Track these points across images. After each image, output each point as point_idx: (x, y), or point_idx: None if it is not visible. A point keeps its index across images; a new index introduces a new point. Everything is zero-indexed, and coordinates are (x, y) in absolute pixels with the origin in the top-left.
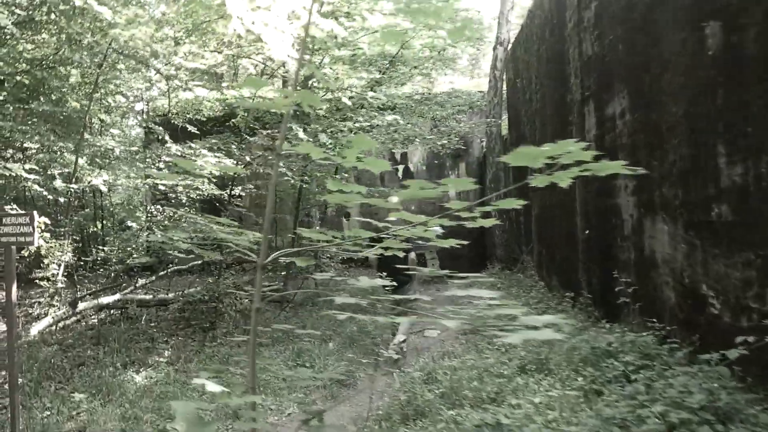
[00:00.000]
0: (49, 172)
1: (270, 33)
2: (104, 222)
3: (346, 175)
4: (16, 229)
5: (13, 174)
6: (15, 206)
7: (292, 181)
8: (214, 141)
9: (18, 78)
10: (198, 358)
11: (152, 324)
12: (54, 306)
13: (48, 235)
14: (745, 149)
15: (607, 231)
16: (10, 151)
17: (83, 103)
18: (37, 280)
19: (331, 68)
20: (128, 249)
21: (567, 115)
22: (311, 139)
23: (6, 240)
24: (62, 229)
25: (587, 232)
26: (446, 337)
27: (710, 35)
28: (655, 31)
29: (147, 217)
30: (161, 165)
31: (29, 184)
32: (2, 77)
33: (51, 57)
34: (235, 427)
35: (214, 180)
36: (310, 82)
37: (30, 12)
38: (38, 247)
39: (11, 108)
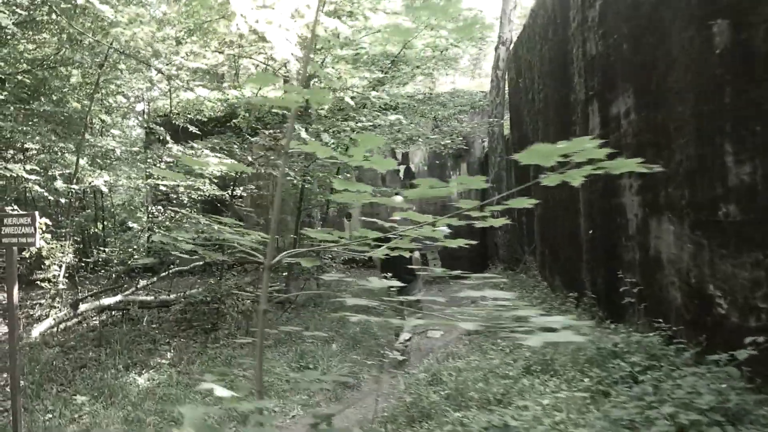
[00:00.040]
0: (49, 173)
1: (274, 31)
2: (105, 223)
3: (348, 175)
4: (18, 230)
5: (14, 175)
6: (16, 207)
7: (295, 181)
8: (216, 141)
9: (19, 77)
10: (200, 360)
11: (154, 325)
12: (55, 307)
13: (49, 236)
14: (754, 148)
15: (611, 231)
16: (11, 151)
17: (84, 104)
18: (38, 282)
19: (333, 68)
20: (129, 250)
21: (570, 115)
22: (314, 139)
23: (7, 241)
24: (63, 230)
25: (591, 232)
26: (450, 337)
27: (718, 33)
28: (661, 30)
29: (148, 217)
30: (162, 165)
31: (30, 184)
32: (3, 77)
33: (52, 57)
34: (241, 430)
35: (215, 181)
36: (312, 82)
37: (31, 12)
38: (39, 249)
39: (12, 108)
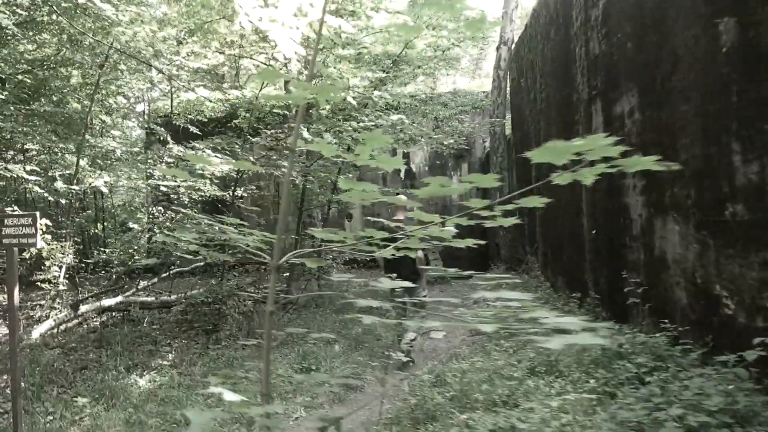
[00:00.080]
0: (50, 174)
1: (277, 30)
2: (105, 224)
3: (350, 175)
4: (19, 231)
5: (14, 175)
6: (16, 208)
7: (296, 181)
8: (218, 141)
9: (20, 77)
10: (202, 361)
11: (155, 326)
12: (55, 308)
13: (49, 236)
14: (762, 147)
15: (615, 231)
16: (11, 152)
17: (84, 104)
18: (38, 283)
19: (335, 67)
20: (130, 251)
21: (573, 115)
22: (309, 140)
23: (8, 242)
24: (63, 231)
25: (594, 231)
26: (452, 338)
27: (724, 31)
28: (665, 28)
29: (149, 218)
30: (163, 166)
31: (30, 185)
32: (3, 77)
33: (52, 58)
34: None
35: (216, 181)
36: (314, 82)
37: (31, 12)
38: (39, 249)
39: (12, 108)
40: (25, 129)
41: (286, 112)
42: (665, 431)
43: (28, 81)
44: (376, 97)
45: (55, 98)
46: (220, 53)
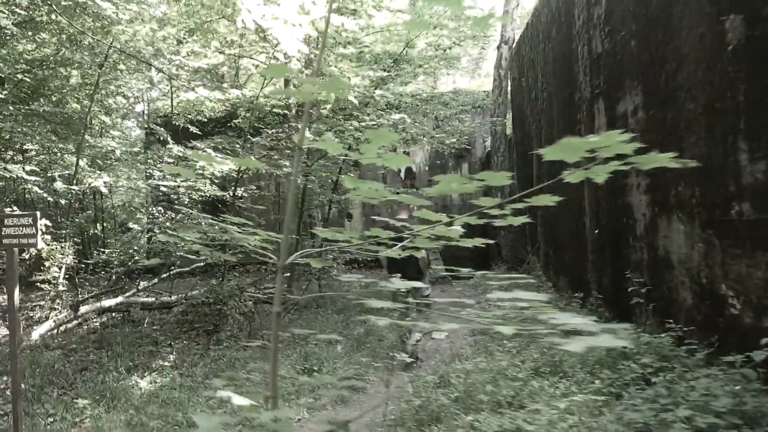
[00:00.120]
0: (49, 174)
1: (280, 27)
2: (105, 224)
3: (351, 175)
4: (19, 231)
5: (14, 176)
6: (15, 208)
7: (298, 181)
8: (219, 140)
9: (19, 77)
10: (203, 362)
11: (155, 327)
12: (55, 309)
13: (49, 237)
14: None
15: (618, 231)
16: (10, 152)
17: (84, 104)
18: (37, 283)
19: (336, 66)
20: (130, 251)
21: (575, 114)
22: (317, 138)
23: (8, 242)
24: (63, 231)
25: (597, 231)
26: (454, 338)
27: (730, 29)
28: (670, 26)
29: (148, 218)
30: (164, 165)
31: (29, 186)
32: (2, 76)
33: (51, 57)
34: None
35: (216, 181)
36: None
37: (30, 12)
38: (39, 250)
39: (11, 108)
40: (24, 129)
41: (285, 111)
42: None
43: (28, 80)
44: (378, 96)
45: (54, 98)
46: (220, 53)
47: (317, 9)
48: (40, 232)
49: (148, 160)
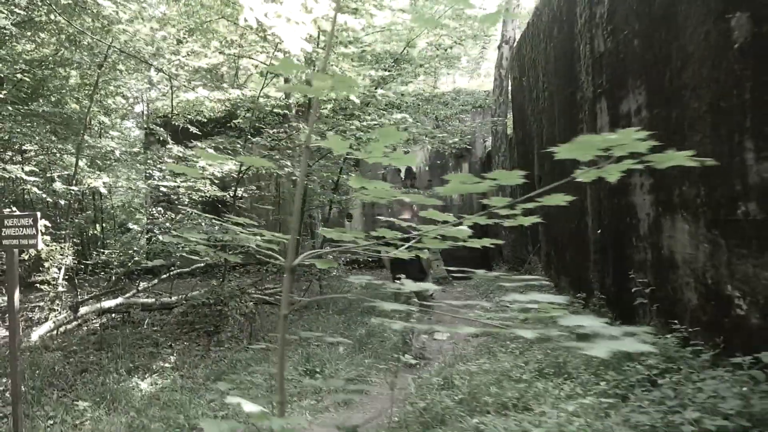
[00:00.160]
0: (48, 175)
1: (283, 25)
2: (104, 224)
3: (353, 175)
4: (19, 232)
5: (13, 176)
6: (15, 209)
7: (298, 181)
8: (220, 140)
9: (18, 76)
10: (204, 364)
11: (155, 328)
12: (55, 310)
13: (48, 237)
14: None
15: (621, 230)
16: (10, 153)
17: (83, 104)
18: (36, 284)
19: (337, 66)
20: (129, 252)
21: (577, 114)
22: (318, 138)
23: (8, 243)
24: (62, 232)
25: (600, 231)
26: (457, 339)
27: (736, 27)
28: (675, 25)
29: (148, 219)
30: (163, 167)
31: (29, 186)
32: (2, 76)
33: (51, 57)
34: None
35: (216, 182)
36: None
37: (29, 12)
38: (38, 251)
39: (11, 108)
40: (23, 129)
41: (286, 111)
42: None
43: (27, 80)
44: (380, 95)
45: (53, 98)
46: (220, 53)
47: (320, 7)
48: (40, 233)
49: (148, 161)
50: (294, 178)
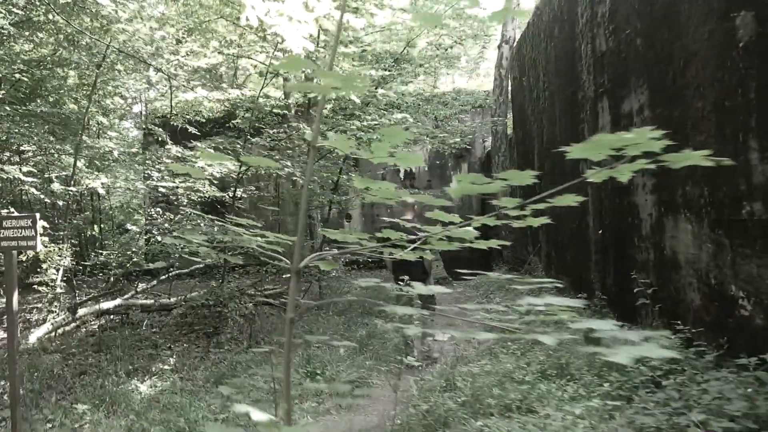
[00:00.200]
0: (46, 175)
1: (285, 24)
2: (102, 225)
3: (353, 175)
4: (18, 233)
5: (11, 177)
6: (13, 210)
7: (301, 181)
8: (219, 140)
9: (17, 76)
10: (204, 366)
11: (154, 330)
12: (53, 312)
13: (47, 239)
14: None
15: (623, 231)
16: (7, 153)
17: (82, 105)
18: (34, 285)
19: (338, 66)
20: (128, 253)
21: (578, 113)
22: (323, 137)
23: (6, 244)
24: (61, 233)
25: (601, 231)
26: (457, 341)
27: (741, 26)
28: (678, 24)
29: (147, 219)
30: (161, 167)
31: (27, 187)
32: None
33: (49, 58)
34: None
35: (215, 182)
36: (315, 80)
37: (27, 12)
38: (37, 252)
39: (8, 109)
40: (21, 130)
41: (285, 111)
42: None
43: (26, 80)
44: (380, 95)
45: (51, 99)
46: (219, 53)
47: (322, 6)
48: (39, 235)
49: (147, 161)
50: (294, 178)
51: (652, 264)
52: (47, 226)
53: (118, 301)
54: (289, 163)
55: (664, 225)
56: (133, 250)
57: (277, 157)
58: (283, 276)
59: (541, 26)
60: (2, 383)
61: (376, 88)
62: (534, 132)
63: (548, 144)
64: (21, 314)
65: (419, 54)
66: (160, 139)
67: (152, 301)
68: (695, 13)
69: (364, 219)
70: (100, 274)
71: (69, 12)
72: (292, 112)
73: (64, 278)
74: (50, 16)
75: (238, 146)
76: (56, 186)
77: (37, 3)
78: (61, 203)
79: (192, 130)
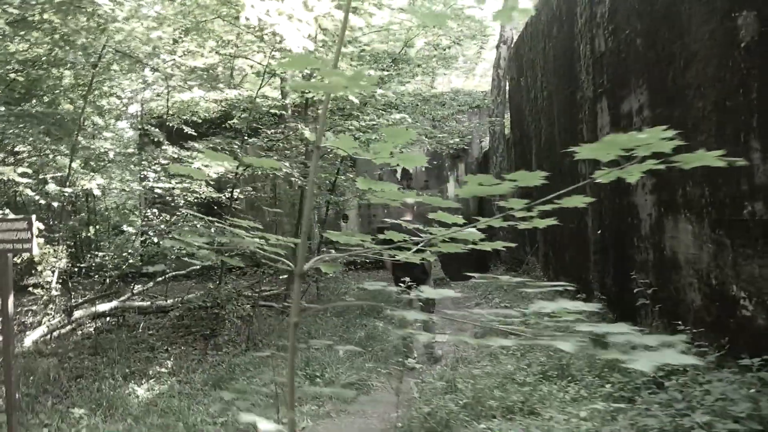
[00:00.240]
0: (41, 176)
1: (285, 23)
2: (98, 227)
3: (351, 176)
4: (13, 235)
5: (5, 178)
6: (8, 211)
7: (300, 182)
8: (217, 141)
9: (12, 76)
10: (202, 368)
11: (151, 332)
12: (48, 314)
13: (42, 240)
14: None
15: (622, 231)
16: (2, 154)
17: (77, 105)
18: (29, 288)
19: (338, 66)
20: (124, 254)
21: (577, 113)
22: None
23: (2, 247)
24: (56, 235)
25: (600, 231)
26: (458, 341)
27: (743, 25)
28: (679, 24)
29: (143, 221)
30: (157, 168)
31: (21, 188)
32: None
33: (44, 58)
34: None
35: (212, 183)
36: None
37: (22, 11)
38: (33, 255)
39: (3, 109)
40: (16, 130)
41: (282, 112)
42: None
43: (20, 80)
44: (379, 95)
45: (46, 99)
46: (216, 53)
47: (322, 5)
48: (35, 237)
49: (142, 162)
50: (292, 179)
51: (652, 264)
52: (42, 227)
53: (114, 304)
54: (287, 164)
55: (664, 225)
56: (129, 251)
57: (275, 157)
58: (281, 277)
59: (539, 26)
60: None
61: (377, 86)
62: (532, 132)
63: (546, 144)
64: (16, 317)
65: (417, 54)
66: (156, 139)
67: (149, 303)
68: (696, 13)
69: (361, 219)
70: (96, 276)
71: (65, 11)
72: (289, 112)
73: (60, 280)
74: (46, 16)
75: (236, 147)
76: (51, 187)
77: (32, 2)
78: (56, 204)
79: (188, 130)
